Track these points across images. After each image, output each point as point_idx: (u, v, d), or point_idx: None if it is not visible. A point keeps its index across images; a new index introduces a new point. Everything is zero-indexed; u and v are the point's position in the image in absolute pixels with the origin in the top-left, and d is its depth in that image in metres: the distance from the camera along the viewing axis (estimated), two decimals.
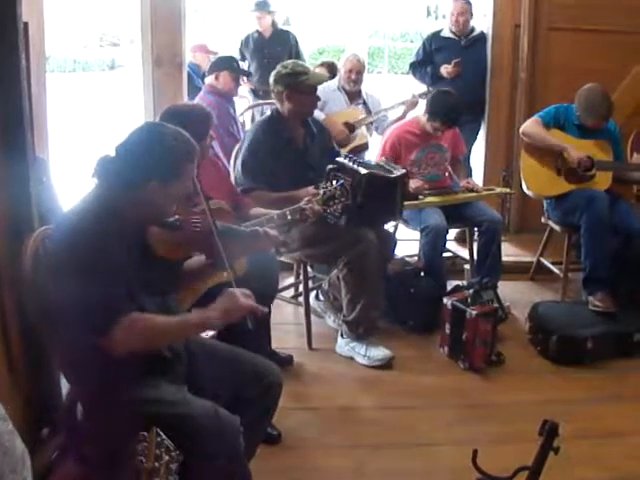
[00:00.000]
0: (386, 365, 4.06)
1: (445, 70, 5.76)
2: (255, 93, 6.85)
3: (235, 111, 5.70)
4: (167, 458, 1.81)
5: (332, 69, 6.10)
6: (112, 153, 2.41)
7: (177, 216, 2.55)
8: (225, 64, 5.48)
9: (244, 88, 7.06)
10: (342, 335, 4.20)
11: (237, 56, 7.00)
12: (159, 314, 2.36)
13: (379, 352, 4.09)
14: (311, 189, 3.82)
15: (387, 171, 4.03)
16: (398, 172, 4.05)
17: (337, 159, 3.97)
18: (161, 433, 1.84)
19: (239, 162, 4.13)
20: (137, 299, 2.32)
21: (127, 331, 2.20)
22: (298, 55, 6.77)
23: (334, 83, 5.72)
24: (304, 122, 4.27)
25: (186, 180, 2.44)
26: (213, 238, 2.53)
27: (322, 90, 4.61)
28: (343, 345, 4.18)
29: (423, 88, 5.86)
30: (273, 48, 6.80)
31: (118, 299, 2.22)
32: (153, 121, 2.48)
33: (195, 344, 2.63)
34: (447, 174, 5.08)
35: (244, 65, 7.03)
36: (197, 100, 5.30)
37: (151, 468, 1.74)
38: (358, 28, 18.44)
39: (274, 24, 7.03)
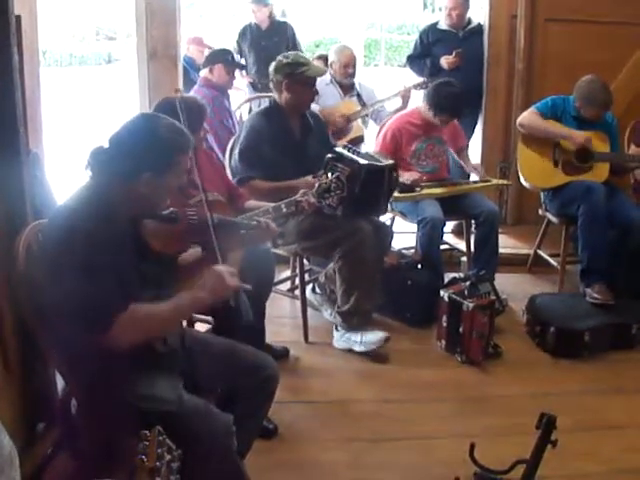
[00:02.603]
0: (383, 357, 4.06)
1: (446, 61, 5.72)
2: (254, 86, 6.82)
3: (230, 104, 5.68)
4: (169, 457, 1.79)
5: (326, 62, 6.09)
6: (105, 145, 2.40)
7: (172, 209, 2.54)
8: (219, 57, 5.47)
9: (242, 81, 7.05)
10: (337, 328, 4.19)
11: (234, 48, 7.00)
12: None
13: (374, 335, 4.08)
14: (309, 178, 3.82)
15: (377, 161, 4.02)
16: (387, 162, 4.04)
17: (336, 149, 3.96)
18: (162, 432, 1.82)
19: (236, 151, 4.13)
20: (133, 295, 2.30)
21: (126, 326, 2.20)
22: (295, 47, 6.74)
23: (327, 76, 5.69)
24: (301, 114, 4.26)
25: (179, 172, 2.43)
26: (209, 230, 2.51)
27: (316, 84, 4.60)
28: (339, 338, 4.17)
29: (418, 79, 5.84)
30: (270, 40, 6.78)
31: (115, 297, 2.20)
32: (146, 112, 2.46)
33: (191, 338, 2.63)
34: (444, 166, 5.06)
35: (242, 58, 7.02)
36: (192, 93, 5.29)
37: (152, 467, 1.73)
38: (354, 20, 18.40)
39: (271, 16, 7.00)
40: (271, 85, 4.25)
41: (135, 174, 2.31)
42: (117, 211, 2.32)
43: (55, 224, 2.33)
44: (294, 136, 4.23)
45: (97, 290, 2.16)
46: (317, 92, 4.30)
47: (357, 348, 4.09)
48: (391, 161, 4.09)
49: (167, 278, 2.51)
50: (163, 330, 2.41)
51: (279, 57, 4.20)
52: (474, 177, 5.18)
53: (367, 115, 5.67)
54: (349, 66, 5.66)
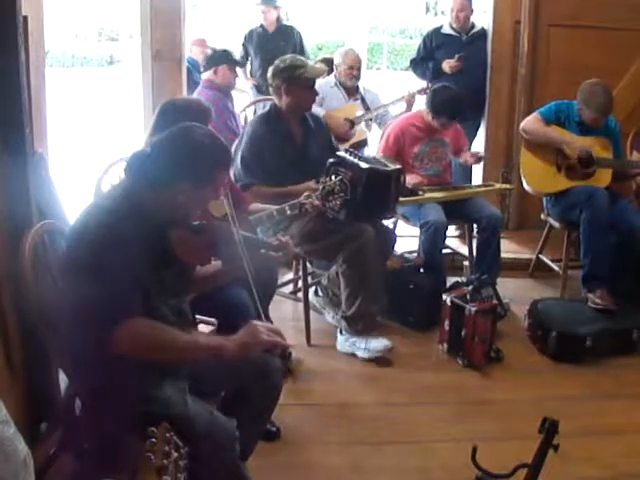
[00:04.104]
0: (386, 360, 4.06)
1: (447, 65, 5.74)
2: (258, 89, 6.82)
3: (233, 106, 5.67)
4: (176, 455, 1.78)
5: (330, 65, 6.09)
6: (147, 149, 2.41)
7: (200, 221, 2.53)
8: (222, 58, 5.44)
9: (247, 84, 7.05)
10: (341, 332, 4.19)
11: (240, 51, 7.00)
12: (173, 318, 2.37)
13: (379, 343, 4.08)
14: (311, 183, 3.82)
15: (384, 165, 4.03)
16: (393, 166, 4.04)
17: (338, 153, 3.97)
18: (170, 429, 1.81)
19: (238, 157, 4.12)
20: (153, 301, 2.31)
21: (131, 335, 2.18)
22: (302, 51, 6.75)
23: (331, 79, 5.71)
24: (302, 117, 4.26)
25: (217, 186, 2.45)
26: (234, 246, 2.51)
27: (320, 86, 4.61)
28: (343, 342, 4.17)
29: (422, 84, 5.86)
30: (277, 43, 6.77)
31: (127, 300, 2.20)
32: (192, 124, 2.49)
33: None
34: (447, 170, 5.07)
35: (247, 61, 7.03)
36: (195, 95, 5.28)
37: (160, 465, 1.72)
38: (357, 24, 18.42)
39: (279, 19, 7.01)
40: (271, 90, 4.26)
41: (173, 183, 2.32)
42: (148, 215, 2.32)
43: (86, 221, 2.32)
44: (295, 140, 4.24)
45: (112, 290, 2.15)
46: (317, 93, 4.30)
47: (361, 354, 4.09)
48: (397, 165, 4.10)
49: (184, 288, 2.52)
50: (168, 357, 2.31)
51: (276, 61, 4.20)
52: (476, 182, 5.19)
53: (371, 119, 5.68)
54: (354, 68, 5.67)
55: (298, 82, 4.11)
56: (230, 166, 2.50)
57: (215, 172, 2.41)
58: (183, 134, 2.43)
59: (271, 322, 3.70)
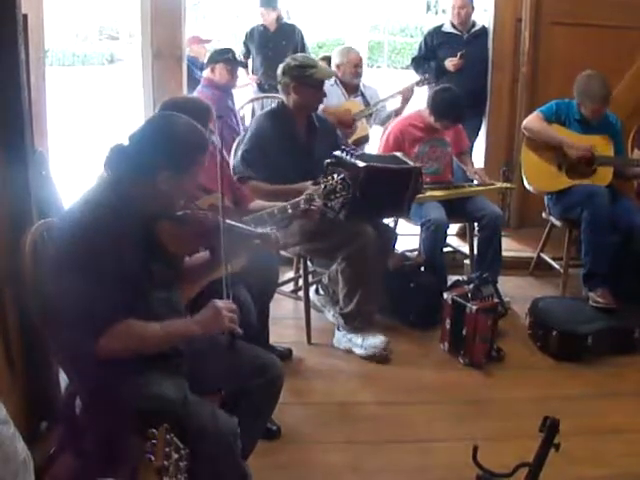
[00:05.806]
0: (386, 359, 4.06)
1: (451, 63, 5.73)
2: (260, 87, 6.80)
3: (234, 104, 5.66)
4: (176, 456, 1.78)
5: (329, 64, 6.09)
6: (125, 142, 2.40)
7: (185, 211, 2.53)
8: (220, 56, 5.43)
9: (249, 81, 7.04)
10: (339, 328, 4.19)
11: (241, 49, 6.99)
12: (164, 310, 2.37)
13: (376, 339, 4.08)
14: (308, 184, 3.81)
15: (403, 163, 4.02)
16: (409, 165, 4.04)
17: (334, 153, 3.96)
18: (170, 430, 1.81)
19: (240, 151, 4.12)
20: (144, 295, 2.31)
21: (116, 338, 2.21)
22: (304, 50, 6.73)
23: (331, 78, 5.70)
24: (308, 117, 4.26)
25: (197, 173, 2.44)
26: (219, 235, 2.50)
27: None
28: (340, 338, 4.18)
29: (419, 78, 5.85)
30: (278, 42, 6.77)
31: (115, 305, 2.21)
32: (167, 112, 2.50)
33: (196, 339, 2.62)
34: (448, 168, 5.06)
35: (249, 59, 7.01)
36: (195, 94, 5.28)
37: (160, 466, 1.72)
38: (358, 22, 18.41)
39: (279, 19, 7.00)
40: (279, 87, 4.25)
41: (154, 172, 2.32)
42: (134, 207, 2.33)
43: (71, 221, 2.32)
44: (299, 139, 4.23)
45: (101, 297, 2.17)
46: (325, 94, 4.29)
47: (358, 351, 4.09)
48: (415, 165, 4.11)
49: (175, 278, 2.51)
50: (148, 350, 2.36)
51: (287, 59, 4.20)
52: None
53: (370, 114, 5.67)
54: (359, 65, 5.67)
55: (307, 81, 4.10)
56: (208, 149, 2.49)
57: (193, 157, 2.40)
58: (159, 123, 2.45)
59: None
